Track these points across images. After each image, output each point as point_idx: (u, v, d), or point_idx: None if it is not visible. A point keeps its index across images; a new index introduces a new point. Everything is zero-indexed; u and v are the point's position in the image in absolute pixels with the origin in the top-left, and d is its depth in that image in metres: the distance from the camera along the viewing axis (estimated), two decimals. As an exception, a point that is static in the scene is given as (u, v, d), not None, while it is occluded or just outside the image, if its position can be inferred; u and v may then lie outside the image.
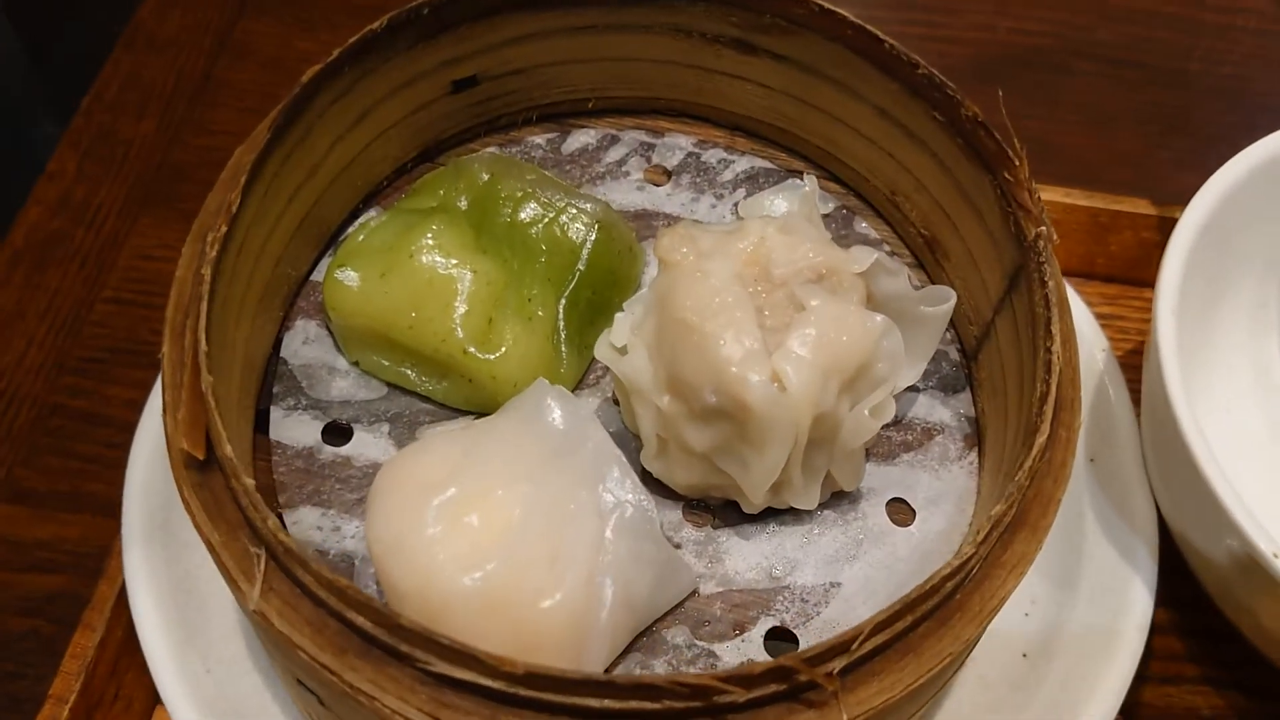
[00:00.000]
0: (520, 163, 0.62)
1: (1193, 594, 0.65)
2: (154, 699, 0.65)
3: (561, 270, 0.59)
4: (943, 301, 0.56)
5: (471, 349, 0.56)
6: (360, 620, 0.44)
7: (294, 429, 0.58)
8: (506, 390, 0.56)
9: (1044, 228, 0.53)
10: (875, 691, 0.45)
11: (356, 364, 0.59)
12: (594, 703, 0.42)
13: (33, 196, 0.87)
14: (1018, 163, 0.55)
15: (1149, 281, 0.79)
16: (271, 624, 0.45)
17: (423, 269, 0.56)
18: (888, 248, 0.65)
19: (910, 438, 0.59)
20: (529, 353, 0.56)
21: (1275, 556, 0.53)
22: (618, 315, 0.55)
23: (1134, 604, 0.60)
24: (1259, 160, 0.66)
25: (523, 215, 0.59)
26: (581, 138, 0.68)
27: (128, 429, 0.67)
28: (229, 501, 0.48)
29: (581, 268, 0.59)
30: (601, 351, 0.55)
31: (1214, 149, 0.93)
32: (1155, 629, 0.62)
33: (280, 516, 0.55)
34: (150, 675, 0.57)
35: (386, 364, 0.58)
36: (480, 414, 0.58)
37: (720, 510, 0.56)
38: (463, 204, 0.60)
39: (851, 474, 0.55)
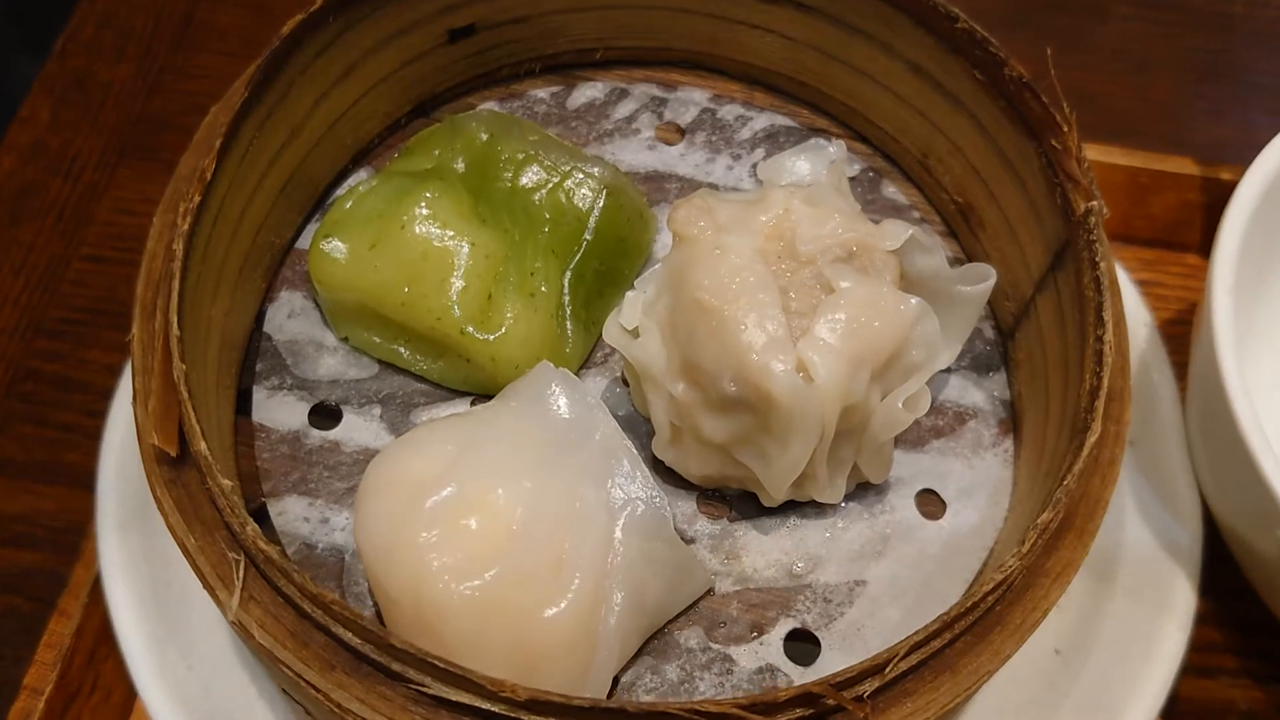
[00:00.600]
0: (522, 122, 0.58)
1: (1233, 582, 0.62)
2: (134, 690, 0.61)
3: (567, 240, 0.54)
4: (981, 280, 0.51)
5: (469, 328, 0.51)
6: (349, 636, 0.41)
7: (278, 411, 0.53)
8: (507, 371, 0.52)
9: (1095, 202, 0.48)
10: (908, 713, 0.42)
11: (346, 340, 0.55)
12: (602, 733, 0.38)
13: (4, 143, 0.82)
14: (1066, 129, 0.50)
15: (1190, 245, 0.75)
16: (252, 636, 0.42)
17: (416, 240, 0.52)
18: (917, 214, 0.60)
19: (941, 422, 0.55)
20: (531, 331, 0.52)
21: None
22: (628, 294, 0.51)
23: (1176, 600, 0.56)
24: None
25: (524, 180, 0.55)
26: (588, 91, 0.63)
27: (106, 395, 0.63)
28: (205, 500, 0.44)
29: (589, 237, 0.55)
30: (611, 334, 0.50)
31: (1255, 98, 0.88)
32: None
33: (264, 506, 0.51)
34: (130, 668, 0.54)
35: (378, 341, 0.54)
36: (479, 395, 0.54)
37: (737, 501, 0.52)
38: (459, 166, 0.56)
39: (880, 466, 0.51)
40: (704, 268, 0.48)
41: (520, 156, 0.55)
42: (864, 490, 0.53)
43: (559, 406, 0.48)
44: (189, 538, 0.43)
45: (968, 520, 0.52)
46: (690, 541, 0.51)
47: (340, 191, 0.59)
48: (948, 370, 0.56)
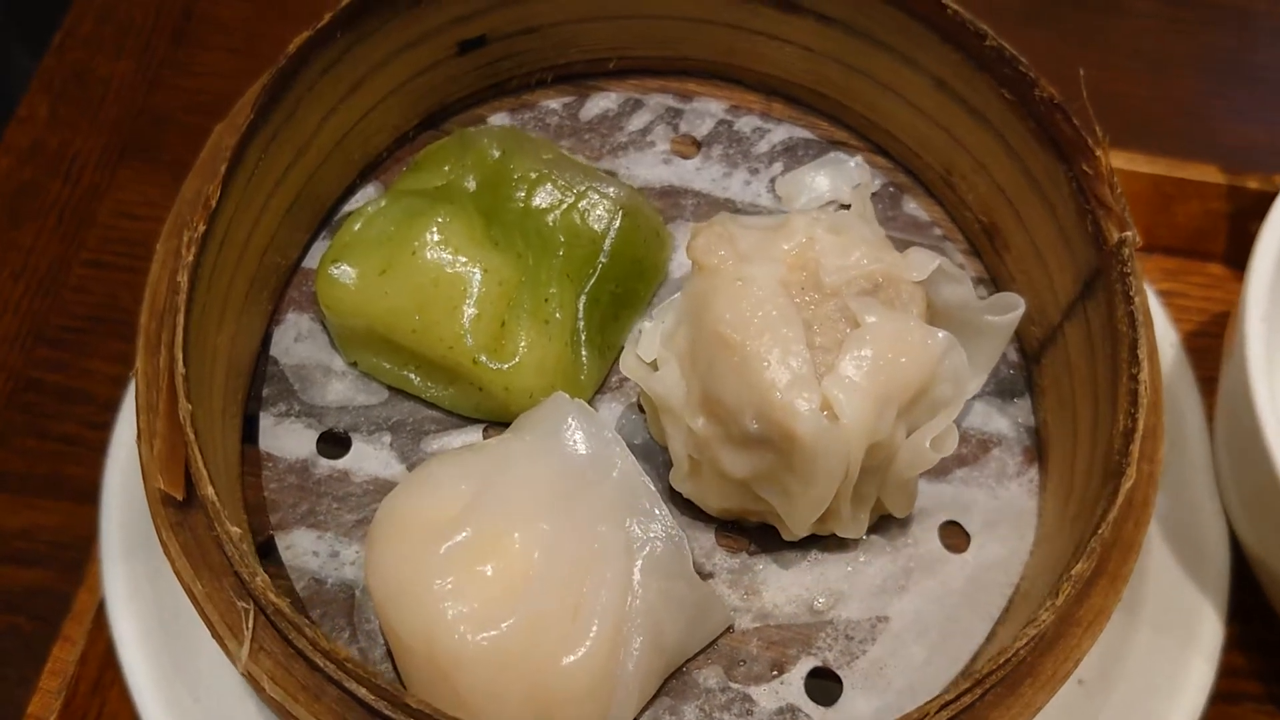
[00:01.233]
0: (535, 139, 0.56)
1: (1258, 607, 0.60)
2: None
3: (582, 264, 0.53)
4: (1010, 310, 0.50)
5: (482, 357, 0.50)
6: (363, 693, 0.39)
7: (286, 438, 0.52)
8: (521, 401, 0.51)
9: (1129, 232, 0.47)
10: (935, 769, 0.40)
11: (354, 365, 0.54)
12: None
13: (2, 143, 0.80)
14: (1099, 154, 0.48)
15: (1214, 254, 0.74)
16: (263, 689, 0.41)
17: (427, 266, 0.50)
18: (940, 231, 0.59)
19: (964, 450, 0.53)
20: (546, 360, 0.51)
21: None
22: (646, 325, 0.50)
23: (1203, 631, 0.55)
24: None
25: (538, 200, 0.53)
26: (601, 102, 0.61)
27: (110, 407, 0.62)
28: (213, 545, 0.43)
29: (604, 260, 0.53)
30: (628, 365, 0.49)
31: (1277, 98, 0.87)
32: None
33: (272, 539, 0.50)
34: (136, 697, 0.53)
35: (388, 366, 0.53)
36: (491, 423, 0.53)
37: (757, 533, 0.51)
38: (470, 184, 0.54)
39: (904, 501, 0.50)
40: (725, 300, 0.46)
41: (533, 175, 0.54)
42: (886, 522, 0.51)
43: (575, 442, 0.47)
44: (196, 584, 0.42)
45: (992, 553, 0.51)
46: (709, 576, 0.50)
47: (348, 208, 0.57)
48: (972, 396, 0.54)
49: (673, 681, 0.48)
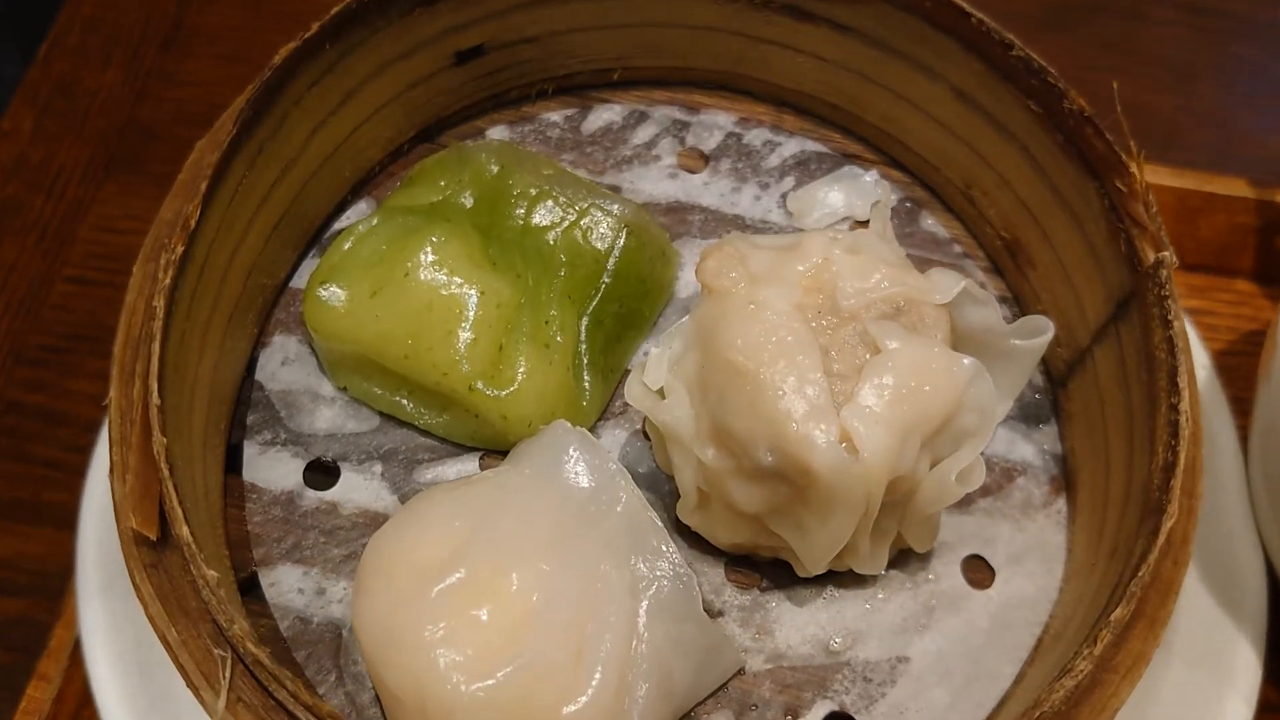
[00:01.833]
0: (534, 154, 0.53)
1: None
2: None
3: (584, 284, 0.50)
4: (1038, 335, 0.47)
5: (478, 384, 0.47)
6: (347, 751, 0.37)
7: (271, 469, 0.49)
8: (519, 429, 0.48)
9: (1165, 253, 0.44)
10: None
11: (344, 390, 0.51)
12: None
13: (-15, 158, 0.78)
14: (1133, 170, 0.46)
15: (1242, 270, 0.71)
16: (240, 743, 0.38)
17: (421, 288, 0.48)
18: (960, 248, 0.56)
19: (988, 479, 0.50)
20: (546, 386, 0.48)
21: None
22: (653, 351, 0.47)
23: (1239, 667, 0.52)
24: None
25: (538, 218, 0.50)
26: (604, 114, 0.59)
27: (92, 429, 0.59)
28: (190, 588, 0.40)
29: (607, 280, 0.50)
30: (634, 394, 0.46)
31: (1305, 110, 0.84)
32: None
33: (255, 575, 0.47)
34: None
35: (379, 392, 0.50)
36: (488, 451, 0.50)
37: (769, 568, 0.48)
38: (467, 201, 0.51)
39: (926, 536, 0.47)
40: (737, 325, 0.43)
41: (533, 192, 0.51)
42: (906, 557, 0.49)
43: (577, 474, 0.44)
44: (170, 630, 0.39)
45: (1019, 590, 0.48)
46: (718, 614, 0.47)
47: (339, 225, 0.55)
48: (995, 422, 0.52)
49: (680, 728, 0.45)
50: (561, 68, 0.58)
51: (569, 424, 0.46)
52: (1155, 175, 0.69)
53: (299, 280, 0.53)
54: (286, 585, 0.47)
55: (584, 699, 0.40)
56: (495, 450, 0.50)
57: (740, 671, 0.46)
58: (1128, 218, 0.46)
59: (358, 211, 0.55)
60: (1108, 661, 0.40)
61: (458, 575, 0.41)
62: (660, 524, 0.44)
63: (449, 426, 0.50)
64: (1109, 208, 0.47)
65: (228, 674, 0.38)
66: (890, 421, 0.42)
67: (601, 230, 0.51)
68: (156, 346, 0.41)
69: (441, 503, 0.43)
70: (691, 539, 0.49)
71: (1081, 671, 0.37)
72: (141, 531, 0.39)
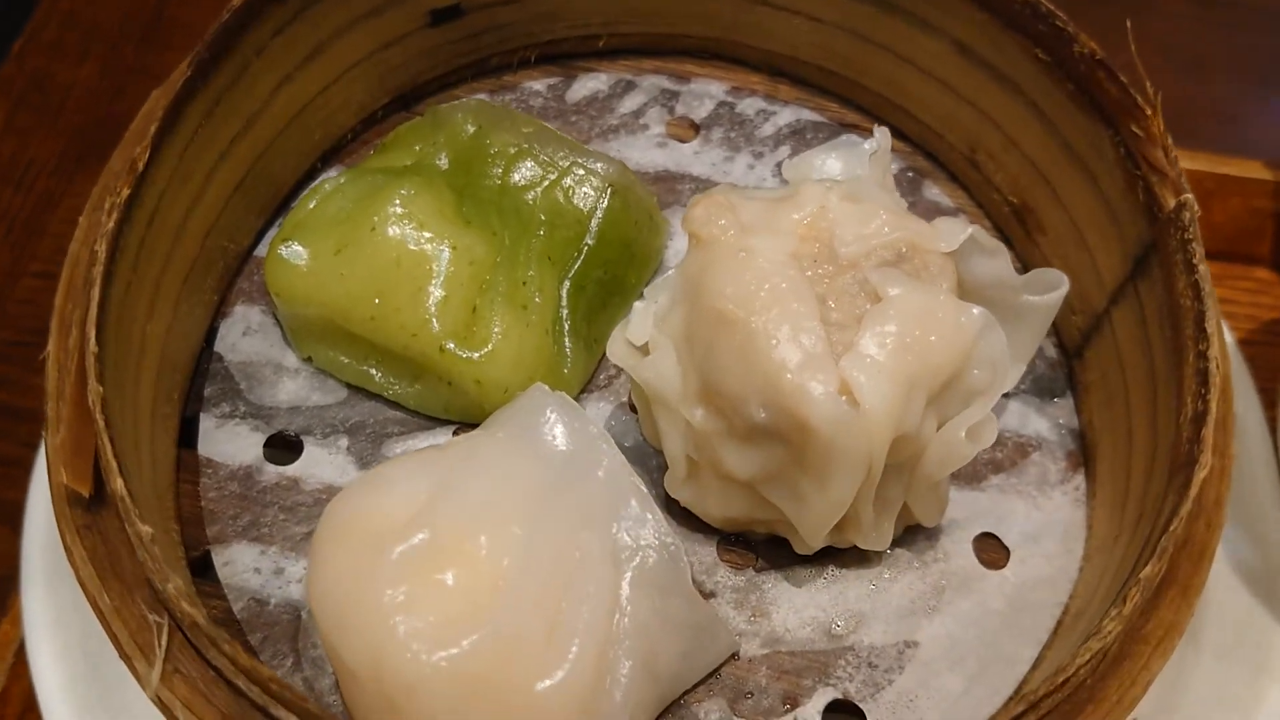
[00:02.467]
0: (514, 113, 0.51)
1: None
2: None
3: (565, 245, 0.47)
4: (1052, 289, 0.44)
5: (450, 345, 0.44)
6: (292, 721, 0.33)
7: (229, 443, 0.46)
8: (495, 396, 0.45)
9: (1186, 195, 0.41)
10: (981, 814, 0.34)
11: (309, 360, 0.48)
12: None
13: (-46, 153, 0.75)
14: (1150, 112, 0.43)
15: (1261, 258, 0.68)
16: (175, 718, 0.34)
17: (388, 244, 0.45)
18: (965, 217, 0.53)
19: (1000, 455, 0.47)
20: (523, 349, 0.45)
21: None
22: (637, 305, 0.44)
23: (1275, 658, 0.48)
24: None
25: (516, 177, 0.48)
26: (590, 83, 0.56)
27: (54, 427, 0.55)
28: (125, 551, 0.37)
29: (590, 242, 0.47)
30: (616, 351, 0.43)
31: (1320, 102, 0.81)
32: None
33: (208, 554, 0.43)
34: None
35: (346, 361, 0.47)
36: (463, 424, 0.47)
37: (765, 547, 0.45)
38: (443, 163, 0.49)
39: (934, 507, 0.43)
40: (726, 273, 0.40)
41: (512, 150, 0.48)
42: (913, 534, 0.45)
43: (555, 437, 0.41)
44: (103, 595, 0.36)
45: (1036, 570, 0.45)
46: (710, 595, 0.44)
47: (304, 193, 0.52)
48: (1006, 394, 0.48)
49: (669, 716, 0.42)
50: (545, 33, 0.55)
51: (547, 387, 0.43)
52: (1167, 157, 0.66)
53: (263, 249, 0.50)
54: (242, 564, 0.43)
55: (560, 674, 0.37)
56: (470, 423, 0.47)
57: (734, 656, 0.43)
58: (1145, 164, 0.43)
59: (327, 178, 0.52)
60: (1137, 631, 0.37)
61: (421, 536, 0.37)
62: (645, 489, 0.41)
63: (421, 397, 0.47)
64: (1124, 156, 0.44)
65: (163, 642, 0.35)
66: (894, 372, 0.38)
67: (584, 190, 0.48)
68: (96, 291, 0.38)
69: (406, 465, 0.40)
70: (681, 517, 0.45)
71: (1109, 633, 0.34)
72: (73, 488, 0.36)
